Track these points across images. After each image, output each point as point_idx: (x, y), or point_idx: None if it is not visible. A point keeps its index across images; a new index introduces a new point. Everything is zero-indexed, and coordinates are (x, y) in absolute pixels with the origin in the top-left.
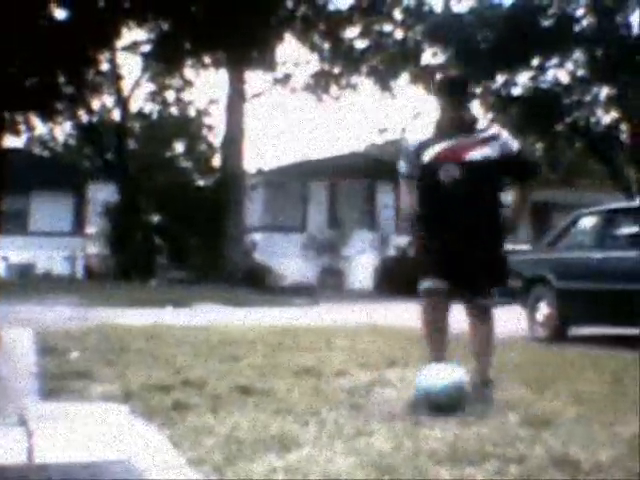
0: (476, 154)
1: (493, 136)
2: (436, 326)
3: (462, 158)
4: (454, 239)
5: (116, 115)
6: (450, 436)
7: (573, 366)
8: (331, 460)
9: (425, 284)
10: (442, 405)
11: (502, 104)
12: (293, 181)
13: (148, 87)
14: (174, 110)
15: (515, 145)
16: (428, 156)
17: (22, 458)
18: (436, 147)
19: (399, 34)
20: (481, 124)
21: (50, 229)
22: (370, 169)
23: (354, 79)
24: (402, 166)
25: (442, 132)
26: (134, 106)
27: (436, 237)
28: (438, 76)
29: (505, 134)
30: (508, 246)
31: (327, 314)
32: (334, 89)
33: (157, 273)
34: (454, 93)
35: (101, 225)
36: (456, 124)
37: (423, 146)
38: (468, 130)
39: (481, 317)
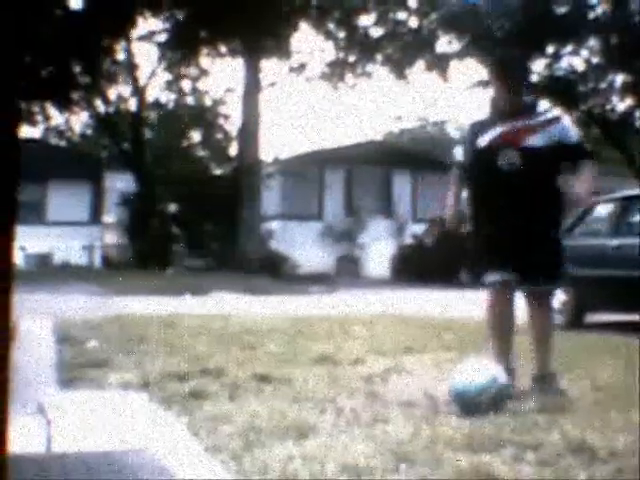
0: (537, 139)
1: (555, 118)
2: (503, 320)
3: (522, 143)
4: (514, 227)
5: (132, 105)
6: (467, 423)
7: (589, 353)
8: (348, 447)
9: (491, 277)
10: (478, 406)
11: None
12: (310, 169)
13: (164, 76)
14: (190, 99)
15: (575, 133)
16: (485, 140)
17: (41, 447)
18: (493, 130)
19: (414, 22)
20: (541, 107)
21: (67, 219)
22: (386, 157)
23: (369, 67)
24: (459, 153)
25: (499, 114)
26: (150, 95)
27: (496, 226)
28: (494, 57)
29: (567, 119)
30: None
31: (344, 302)
32: (349, 77)
33: (174, 262)
34: (512, 75)
35: (118, 214)
36: (515, 107)
37: (479, 128)
38: (527, 112)
39: (541, 304)
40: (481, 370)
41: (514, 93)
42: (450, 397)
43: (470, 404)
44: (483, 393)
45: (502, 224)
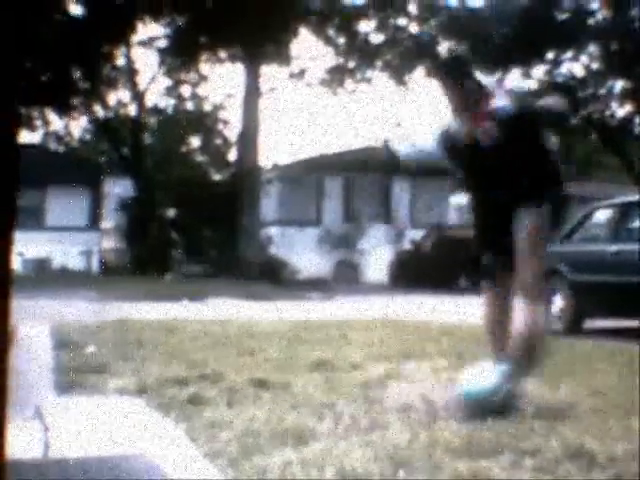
0: (502, 101)
1: (508, 90)
2: (501, 322)
3: (490, 112)
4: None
5: (132, 110)
6: (465, 429)
7: (588, 359)
8: (347, 453)
9: (485, 260)
10: (490, 409)
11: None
12: (309, 176)
13: (164, 82)
14: (190, 105)
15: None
16: (460, 136)
17: (38, 452)
18: (462, 126)
19: (414, 28)
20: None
21: (66, 224)
22: (385, 163)
23: (369, 73)
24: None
25: (458, 114)
26: (150, 101)
27: (488, 209)
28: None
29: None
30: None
31: (342, 307)
32: (349, 83)
33: (173, 267)
34: (453, 74)
35: (117, 220)
36: (465, 99)
37: (448, 134)
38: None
39: (531, 295)
40: (491, 374)
41: (460, 89)
42: (460, 400)
43: (480, 407)
44: (494, 396)
45: (491, 207)
